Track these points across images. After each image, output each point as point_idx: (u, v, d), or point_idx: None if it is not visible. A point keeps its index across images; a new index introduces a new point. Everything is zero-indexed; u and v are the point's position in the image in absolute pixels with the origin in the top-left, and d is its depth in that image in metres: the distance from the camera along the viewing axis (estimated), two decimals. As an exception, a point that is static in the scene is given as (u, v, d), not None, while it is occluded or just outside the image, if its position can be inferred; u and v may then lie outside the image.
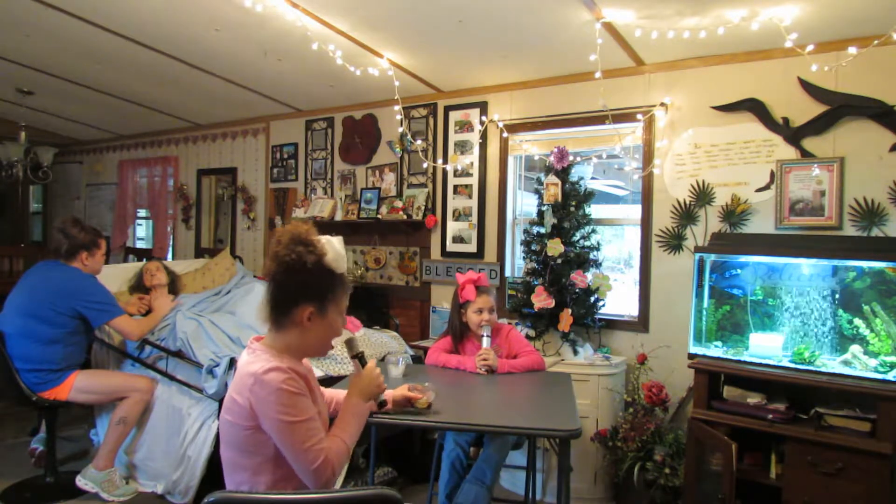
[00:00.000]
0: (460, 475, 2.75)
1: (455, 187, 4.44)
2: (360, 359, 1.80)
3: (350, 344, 1.83)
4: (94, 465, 3.21)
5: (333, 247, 1.61)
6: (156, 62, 4.24)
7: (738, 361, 2.92)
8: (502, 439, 2.73)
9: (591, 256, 3.59)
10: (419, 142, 4.52)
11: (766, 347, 2.92)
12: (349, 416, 1.68)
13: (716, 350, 3.10)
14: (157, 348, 3.49)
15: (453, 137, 4.44)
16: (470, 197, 4.37)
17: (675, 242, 3.54)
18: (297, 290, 1.58)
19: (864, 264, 2.79)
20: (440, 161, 4.44)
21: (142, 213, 7.01)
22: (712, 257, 3.20)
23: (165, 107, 5.61)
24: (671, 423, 3.39)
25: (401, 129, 4.43)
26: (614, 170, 4.26)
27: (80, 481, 3.19)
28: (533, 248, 3.67)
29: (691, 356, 3.09)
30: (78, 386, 3.19)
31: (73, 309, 3.18)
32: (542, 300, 3.47)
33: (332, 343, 1.71)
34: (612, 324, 3.73)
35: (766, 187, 3.27)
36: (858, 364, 2.69)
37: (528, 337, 3.49)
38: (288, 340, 1.61)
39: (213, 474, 2.97)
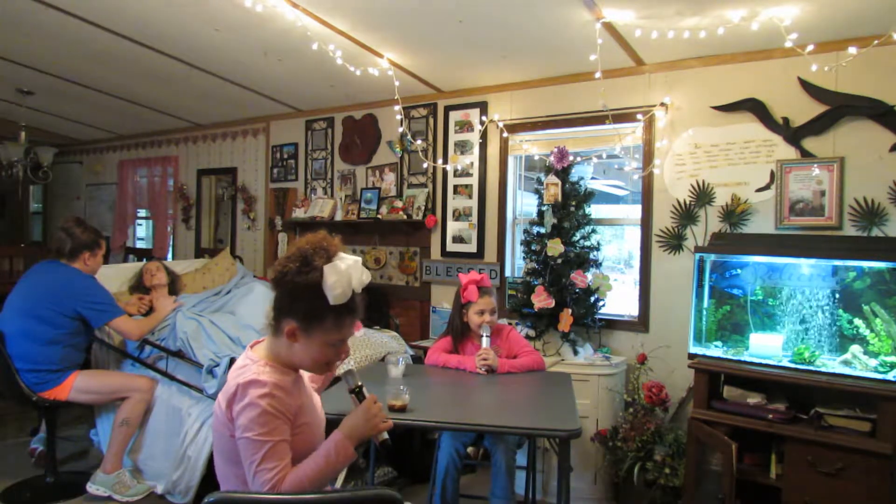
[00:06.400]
0: (456, 478, 2.75)
1: (455, 187, 4.44)
2: (356, 394, 1.67)
3: (347, 376, 1.71)
4: (103, 470, 3.21)
5: (339, 277, 1.49)
6: (156, 62, 4.24)
7: (738, 361, 2.92)
8: (505, 443, 2.73)
9: (591, 256, 3.59)
10: (419, 142, 4.51)
11: (766, 347, 2.92)
12: (322, 458, 1.53)
13: (716, 350, 3.10)
14: (157, 348, 3.49)
15: (453, 137, 4.44)
16: (470, 197, 4.37)
17: (675, 242, 3.54)
18: (284, 304, 1.56)
19: (864, 264, 2.79)
20: (440, 161, 4.44)
21: (142, 213, 7.01)
22: (712, 257, 3.20)
23: (165, 107, 5.61)
24: (671, 423, 3.39)
25: (401, 129, 4.43)
26: (614, 170, 4.26)
27: (91, 487, 3.18)
28: (533, 248, 3.67)
29: (691, 356, 3.09)
30: (78, 386, 3.18)
31: (73, 309, 3.17)
32: (542, 300, 3.47)
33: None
34: (612, 324, 3.73)
35: (766, 187, 3.27)
36: (858, 364, 2.69)
37: (528, 337, 3.50)
38: (279, 349, 1.59)
39: (213, 474, 2.96)
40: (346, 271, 1.51)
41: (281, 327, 1.56)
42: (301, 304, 1.53)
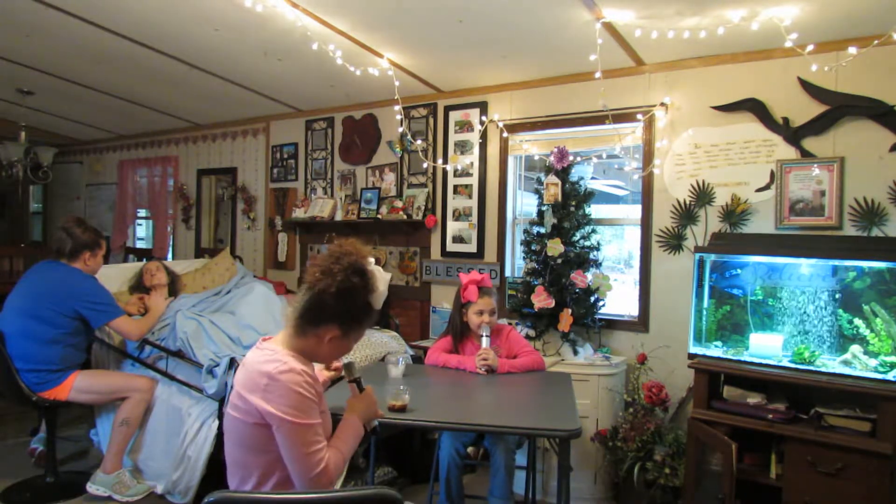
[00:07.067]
0: (458, 476, 2.76)
1: (455, 187, 4.44)
2: (357, 384, 1.87)
3: (348, 368, 1.89)
4: (102, 469, 3.21)
5: (384, 283, 1.67)
6: (156, 62, 4.24)
7: (738, 361, 2.92)
8: (505, 442, 2.73)
9: (591, 256, 3.59)
10: (419, 142, 4.51)
11: (766, 347, 2.92)
12: (346, 434, 1.71)
13: (716, 350, 3.10)
14: (157, 348, 3.49)
15: (453, 137, 4.44)
16: (470, 197, 4.37)
17: (675, 242, 3.54)
18: (334, 314, 1.61)
19: (864, 264, 2.79)
20: (440, 161, 4.44)
21: (142, 213, 7.01)
22: (712, 257, 3.20)
23: (165, 107, 5.61)
24: (671, 423, 3.39)
25: (401, 129, 4.43)
26: (614, 170, 4.26)
27: (91, 487, 3.18)
28: (533, 248, 3.67)
29: (691, 356, 3.09)
30: (78, 386, 3.18)
31: (73, 310, 3.17)
32: (542, 300, 3.47)
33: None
34: (612, 324, 3.73)
35: (766, 187, 3.27)
36: (858, 364, 2.69)
37: (528, 337, 3.50)
38: (303, 346, 1.65)
39: (213, 474, 2.97)
40: (384, 277, 1.67)
41: (316, 331, 1.62)
42: (350, 313, 1.63)
